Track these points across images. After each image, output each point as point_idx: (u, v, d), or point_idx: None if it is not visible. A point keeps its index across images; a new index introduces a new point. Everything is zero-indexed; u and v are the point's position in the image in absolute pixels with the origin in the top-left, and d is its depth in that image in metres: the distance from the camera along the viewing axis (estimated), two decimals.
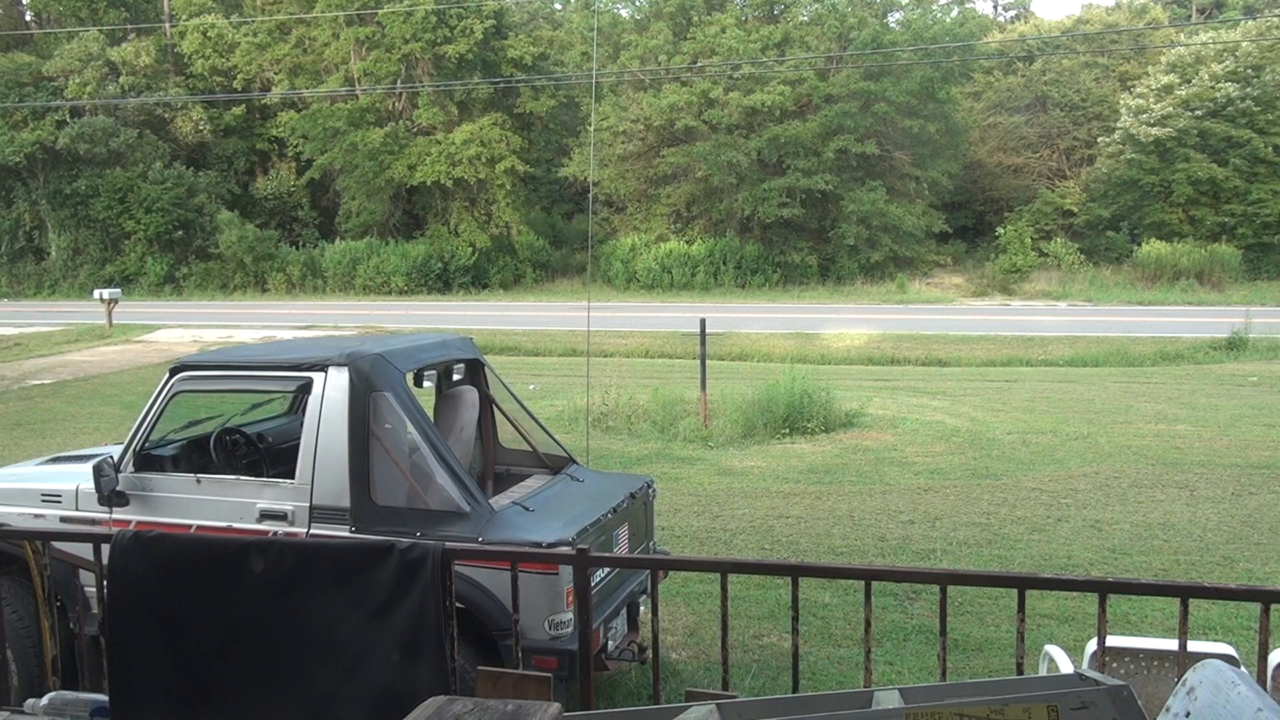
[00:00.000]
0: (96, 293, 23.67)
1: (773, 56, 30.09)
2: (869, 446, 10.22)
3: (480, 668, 2.80)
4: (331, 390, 4.34)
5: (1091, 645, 3.01)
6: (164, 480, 4.57)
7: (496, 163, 31.72)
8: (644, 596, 4.72)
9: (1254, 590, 2.62)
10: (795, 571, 3.09)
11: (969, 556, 6.78)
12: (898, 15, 31.85)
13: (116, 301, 23.09)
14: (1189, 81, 29.67)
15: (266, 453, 5.18)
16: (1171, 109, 29.53)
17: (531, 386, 13.77)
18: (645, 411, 11.47)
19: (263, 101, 35.61)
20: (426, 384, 5.25)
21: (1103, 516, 7.61)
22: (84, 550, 3.46)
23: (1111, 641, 3.06)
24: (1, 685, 3.37)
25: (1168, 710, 1.86)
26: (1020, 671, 2.76)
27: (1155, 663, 3.12)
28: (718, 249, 30.94)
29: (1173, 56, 31.03)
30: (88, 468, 4.54)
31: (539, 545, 3.94)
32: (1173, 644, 2.80)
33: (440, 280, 32.36)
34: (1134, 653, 3.16)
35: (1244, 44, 29.75)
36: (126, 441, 4.63)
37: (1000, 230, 31.09)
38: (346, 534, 4.15)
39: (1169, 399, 12.68)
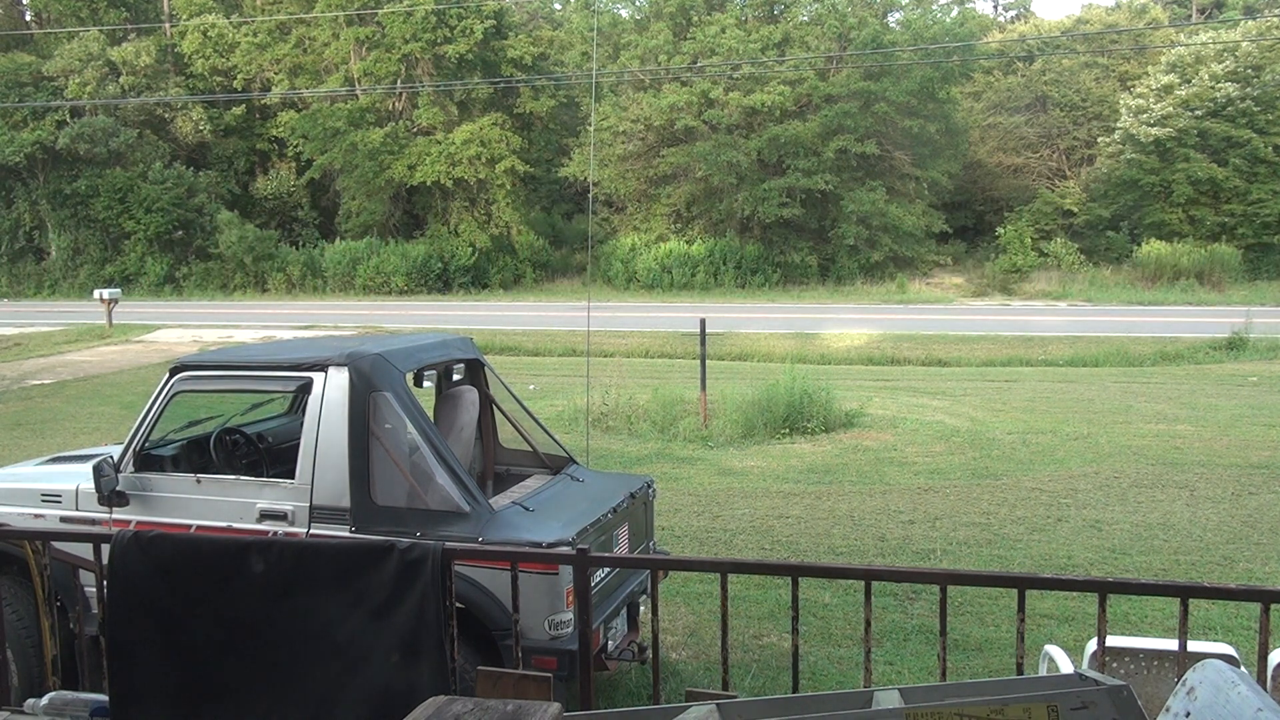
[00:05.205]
0: (96, 293, 23.67)
1: (773, 56, 30.09)
2: (869, 446, 10.22)
3: (480, 668, 2.80)
4: (331, 390, 4.34)
5: (1091, 645, 3.01)
6: (164, 480, 4.56)
7: (496, 163, 31.73)
8: (644, 596, 4.72)
9: (1254, 590, 2.62)
10: (795, 571, 3.09)
11: (969, 556, 6.77)
12: (898, 15, 31.87)
13: (116, 301, 23.09)
14: (1189, 81, 29.68)
15: (266, 453, 5.18)
16: (1171, 109, 29.53)
17: (531, 386, 13.77)
18: (645, 411, 11.47)
19: (263, 101, 35.62)
20: (426, 384, 5.24)
21: (1103, 516, 7.61)
22: (84, 550, 3.46)
23: (1111, 641, 3.06)
24: (1, 685, 3.37)
25: (1168, 710, 1.86)
26: (1020, 671, 2.76)
27: (1155, 663, 3.12)
28: (718, 249, 30.95)
29: (1173, 56, 31.03)
30: (88, 468, 4.54)
31: (539, 545, 3.94)
32: (1173, 644, 2.80)
33: (440, 280, 32.36)
34: (1134, 653, 3.16)
35: (1244, 44, 29.75)
36: (126, 441, 4.63)
37: (1000, 230, 31.11)
38: (346, 534, 4.15)
39: (1169, 399, 12.68)
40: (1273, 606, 2.52)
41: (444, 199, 33.79)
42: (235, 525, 4.29)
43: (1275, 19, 31.50)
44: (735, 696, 2.44)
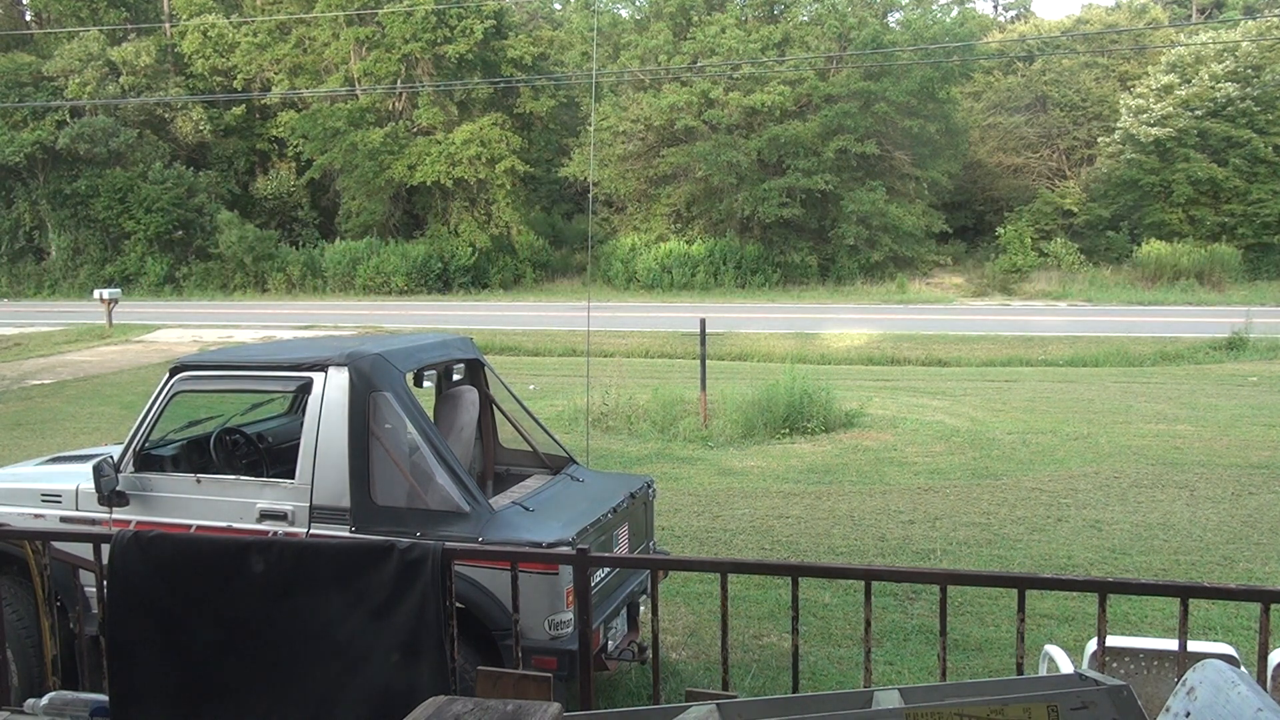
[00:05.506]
0: (96, 293, 23.67)
1: (773, 56, 30.10)
2: (869, 446, 10.22)
3: (480, 668, 2.80)
4: (331, 390, 4.34)
5: (1091, 645, 3.01)
6: (164, 480, 4.56)
7: (496, 163, 31.73)
8: (644, 596, 4.72)
9: (1254, 590, 2.62)
10: (795, 571, 3.09)
11: (969, 556, 6.77)
12: (898, 15, 31.87)
13: (116, 301, 23.09)
14: (1189, 81, 29.69)
15: (266, 453, 5.18)
16: (1171, 109, 29.54)
17: (531, 386, 13.77)
18: (645, 411, 11.47)
19: (263, 101, 35.62)
20: (426, 384, 5.24)
21: (1103, 516, 7.61)
22: (84, 550, 3.46)
23: (1111, 641, 3.06)
24: (1, 685, 3.37)
25: (1168, 710, 1.86)
26: (1020, 671, 2.76)
27: (1155, 663, 3.12)
28: (718, 249, 30.95)
29: (1173, 56, 31.04)
30: (88, 468, 4.54)
31: (539, 545, 3.94)
32: (1173, 644, 2.80)
33: (440, 280, 32.37)
34: (1134, 653, 3.16)
35: (1244, 44, 29.76)
36: (126, 441, 4.63)
37: (1000, 230, 31.11)
38: (346, 534, 4.15)
39: (1169, 399, 12.68)
40: (1273, 606, 2.52)
41: (444, 199, 33.78)
42: (235, 525, 4.29)
43: (1275, 19, 31.50)
44: (735, 696, 2.44)
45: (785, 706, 2.18)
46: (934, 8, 31.55)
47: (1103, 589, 2.71)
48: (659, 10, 32.04)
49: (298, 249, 34.15)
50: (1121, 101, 31.90)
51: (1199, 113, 29.33)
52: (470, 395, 5.30)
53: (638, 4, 33.76)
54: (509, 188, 32.35)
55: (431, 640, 2.85)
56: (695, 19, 31.28)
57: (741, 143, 29.90)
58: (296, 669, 2.88)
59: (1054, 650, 3.41)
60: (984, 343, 18.49)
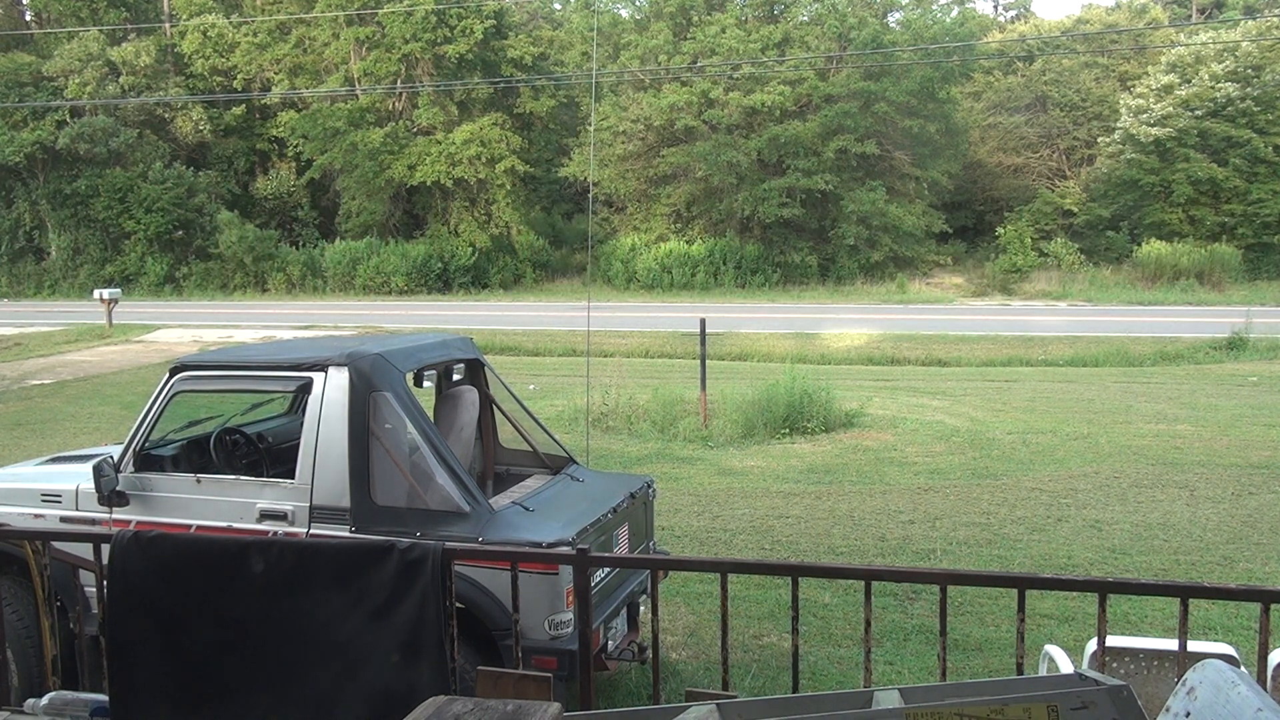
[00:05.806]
0: (96, 293, 23.67)
1: (773, 56, 30.10)
2: (869, 446, 10.22)
3: (480, 668, 2.80)
4: (331, 390, 4.34)
5: (1091, 645, 3.01)
6: (164, 480, 4.56)
7: (496, 163, 31.73)
8: (644, 596, 4.72)
9: (1254, 590, 2.62)
10: (795, 571, 3.09)
11: (969, 556, 6.77)
12: (898, 15, 31.88)
13: (116, 301, 23.09)
14: (1189, 81, 29.69)
15: (266, 453, 5.18)
16: (1171, 109, 29.54)
17: (531, 386, 13.77)
18: (645, 411, 11.47)
19: (263, 101, 35.62)
20: (426, 384, 5.24)
21: (1103, 516, 7.61)
22: (84, 550, 3.46)
23: (1111, 641, 3.06)
24: (1, 685, 3.37)
25: (1168, 710, 1.86)
26: (1020, 671, 2.76)
27: (1155, 663, 3.12)
28: (718, 249, 30.95)
29: (1173, 56, 31.04)
30: (88, 468, 4.54)
31: (539, 545, 3.94)
32: (1173, 644, 2.80)
33: (440, 280, 32.36)
34: (1134, 653, 3.16)
35: (1244, 44, 29.76)
36: (126, 441, 4.63)
37: (1000, 230, 31.11)
38: (346, 534, 4.15)
39: (1169, 399, 12.68)
40: (1273, 606, 2.52)
41: (444, 199, 33.78)
42: (235, 525, 4.29)
43: (1275, 19, 31.50)
44: (735, 696, 2.44)
45: (785, 706, 2.18)
46: (934, 8, 31.55)
47: (1103, 589, 2.71)
48: (659, 10, 32.04)
49: (298, 249, 34.16)
50: (1121, 101, 31.90)
51: (1199, 113, 29.33)
52: (470, 395, 5.30)
53: (638, 4, 33.77)
54: (509, 188, 32.35)
55: (431, 640, 2.85)
56: (695, 19, 31.28)
57: (741, 143, 29.90)
58: (296, 669, 2.88)
59: (1054, 650, 3.41)
60: (984, 343, 18.49)
